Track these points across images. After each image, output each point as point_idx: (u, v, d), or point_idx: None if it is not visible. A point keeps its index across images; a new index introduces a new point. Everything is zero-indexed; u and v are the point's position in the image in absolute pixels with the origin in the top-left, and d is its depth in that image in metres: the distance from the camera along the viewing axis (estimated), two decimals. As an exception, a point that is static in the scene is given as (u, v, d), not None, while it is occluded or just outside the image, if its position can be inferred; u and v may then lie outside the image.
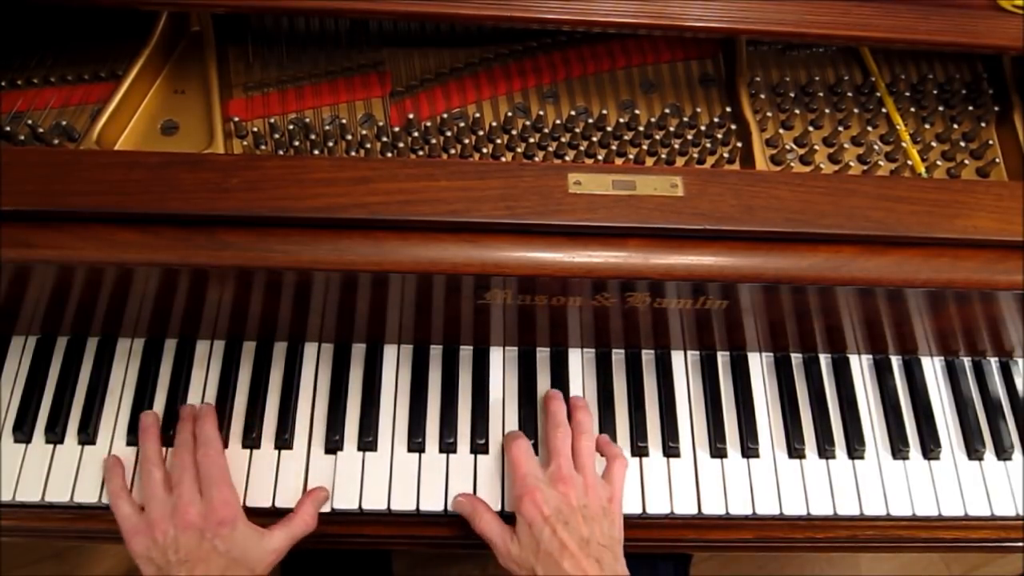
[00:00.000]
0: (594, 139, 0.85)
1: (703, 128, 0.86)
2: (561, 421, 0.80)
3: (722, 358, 0.90)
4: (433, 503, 0.80)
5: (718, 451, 0.84)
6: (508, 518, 0.77)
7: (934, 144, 0.89)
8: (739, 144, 0.85)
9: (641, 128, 0.85)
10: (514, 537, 0.73)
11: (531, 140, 0.84)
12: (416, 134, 0.83)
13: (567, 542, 0.70)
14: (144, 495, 0.75)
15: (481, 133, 0.84)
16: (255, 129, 0.83)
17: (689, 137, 0.85)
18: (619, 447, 0.82)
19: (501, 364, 0.88)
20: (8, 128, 0.80)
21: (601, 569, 0.70)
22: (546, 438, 0.78)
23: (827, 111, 0.90)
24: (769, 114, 0.88)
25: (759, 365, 0.90)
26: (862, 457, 0.85)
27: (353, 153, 0.83)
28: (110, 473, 0.78)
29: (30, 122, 0.80)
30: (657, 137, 0.86)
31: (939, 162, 0.86)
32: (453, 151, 0.83)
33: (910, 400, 0.90)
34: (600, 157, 0.84)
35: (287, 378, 0.85)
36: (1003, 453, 0.87)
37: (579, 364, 0.89)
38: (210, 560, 0.70)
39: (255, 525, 0.75)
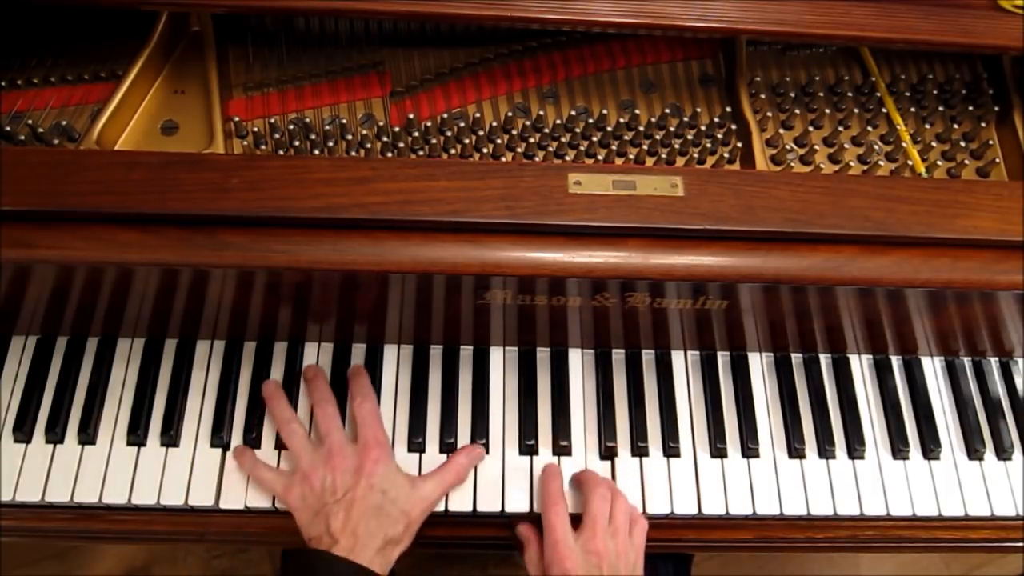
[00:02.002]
0: (594, 139, 0.85)
1: (703, 128, 0.86)
2: (600, 483, 0.79)
3: (722, 358, 0.90)
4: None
5: (718, 451, 0.84)
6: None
7: (934, 144, 0.89)
8: (739, 144, 0.85)
9: (641, 128, 0.85)
10: None
11: (531, 140, 0.84)
12: (416, 134, 0.83)
13: None
14: (292, 451, 0.78)
15: (481, 133, 0.84)
16: (255, 129, 0.83)
17: (689, 137, 0.85)
18: (639, 513, 0.80)
19: (501, 364, 0.88)
20: (8, 128, 0.80)
21: None
22: (585, 500, 0.77)
23: (827, 111, 0.90)
24: (769, 114, 0.88)
25: (759, 365, 0.90)
26: (862, 457, 0.85)
27: (353, 153, 0.83)
28: (241, 455, 0.80)
29: (30, 122, 0.80)
30: (657, 137, 0.86)
31: (939, 162, 0.86)
32: (453, 151, 0.83)
33: (910, 400, 0.90)
34: (600, 157, 0.84)
35: (287, 378, 0.85)
36: (1003, 453, 0.87)
37: (579, 364, 0.88)
38: (367, 497, 0.72)
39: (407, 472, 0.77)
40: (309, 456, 0.77)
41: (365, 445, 0.76)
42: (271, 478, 0.78)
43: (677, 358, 0.89)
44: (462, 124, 0.85)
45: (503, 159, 0.84)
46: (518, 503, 0.81)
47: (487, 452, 0.83)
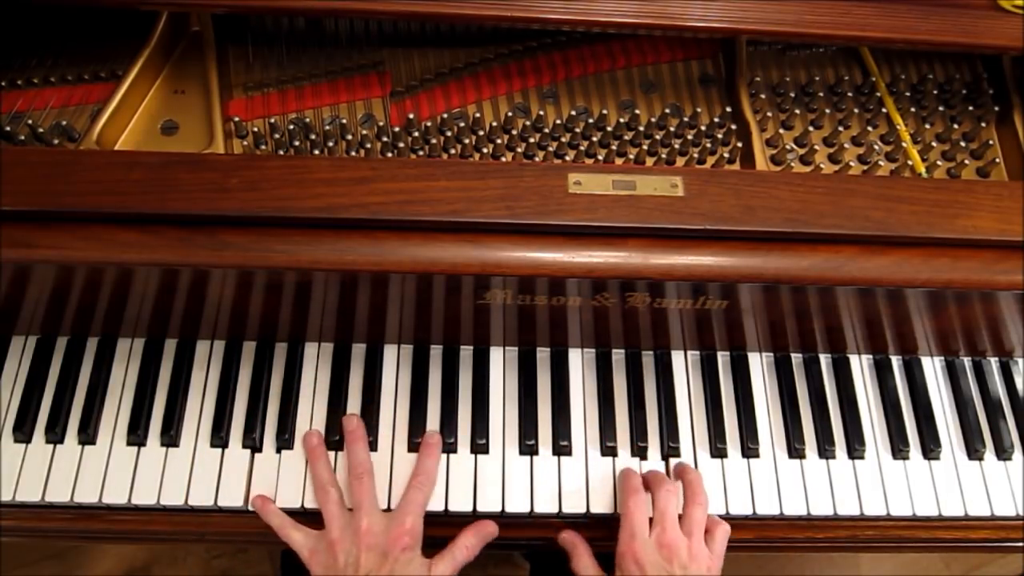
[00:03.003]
0: (594, 139, 0.85)
1: (703, 128, 0.86)
2: (664, 479, 0.78)
3: (722, 358, 0.90)
4: (434, 503, 0.80)
5: (718, 451, 0.84)
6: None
7: (934, 144, 0.89)
8: (739, 144, 0.85)
9: (641, 128, 0.85)
10: None
11: (531, 140, 0.84)
12: (416, 134, 0.83)
13: None
14: (324, 514, 0.76)
15: (481, 133, 0.84)
16: (255, 129, 0.83)
17: (689, 137, 0.85)
18: (720, 518, 0.79)
19: (501, 364, 0.88)
20: (8, 128, 0.80)
21: None
22: (653, 497, 0.77)
23: (827, 111, 0.90)
24: (769, 114, 0.88)
25: (759, 365, 0.90)
26: (862, 457, 0.85)
27: (353, 153, 0.83)
28: (268, 514, 0.78)
29: (30, 122, 0.80)
30: (657, 137, 0.86)
31: (939, 162, 0.86)
32: (453, 151, 0.83)
33: (910, 400, 0.90)
34: (600, 157, 0.84)
35: (287, 378, 0.85)
36: (1003, 453, 0.87)
37: (579, 364, 0.88)
38: None
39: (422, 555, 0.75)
40: (340, 525, 0.75)
41: (399, 529, 0.74)
42: (299, 539, 0.76)
43: (677, 358, 0.89)
44: (462, 124, 0.85)
45: (503, 159, 0.84)
46: (518, 503, 0.81)
47: (487, 452, 0.83)
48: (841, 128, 0.89)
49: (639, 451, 0.84)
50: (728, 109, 0.87)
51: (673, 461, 0.84)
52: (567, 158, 0.85)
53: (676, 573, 0.71)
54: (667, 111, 0.87)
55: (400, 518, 0.75)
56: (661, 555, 0.72)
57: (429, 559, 0.75)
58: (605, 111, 0.87)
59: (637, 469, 0.83)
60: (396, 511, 0.76)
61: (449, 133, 0.84)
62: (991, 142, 0.90)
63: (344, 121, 0.84)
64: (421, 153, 0.84)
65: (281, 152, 0.82)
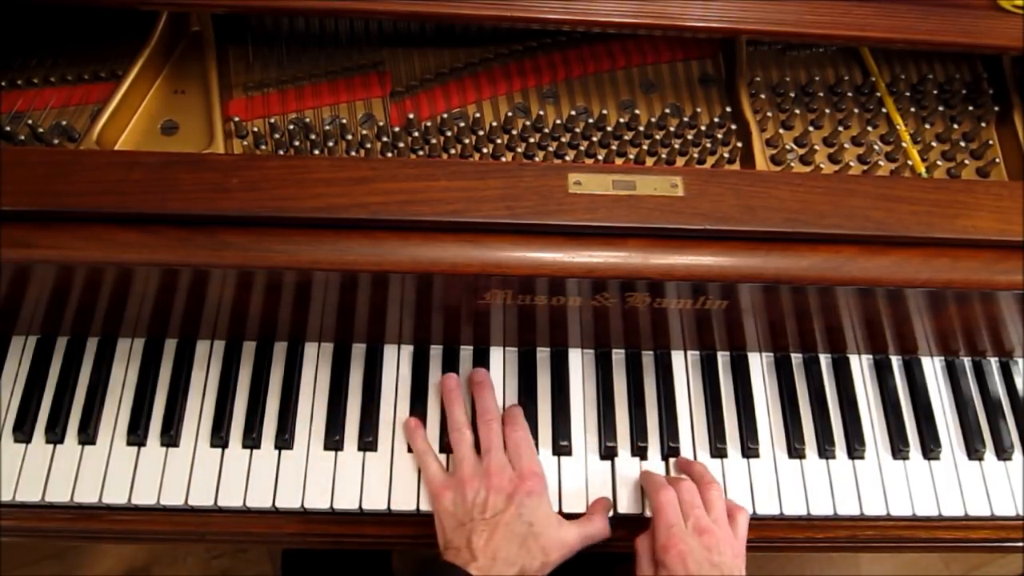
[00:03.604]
0: (594, 139, 0.85)
1: (703, 128, 0.86)
2: (679, 477, 0.79)
3: (722, 358, 0.90)
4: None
5: (718, 451, 0.84)
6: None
7: (934, 144, 0.89)
8: (739, 144, 0.85)
9: (641, 128, 0.85)
10: (656, 573, 0.73)
11: (531, 140, 0.84)
12: (416, 134, 0.83)
13: None
14: (456, 454, 0.79)
15: (481, 133, 0.84)
16: (255, 129, 0.83)
17: (689, 137, 0.85)
18: (737, 503, 0.80)
19: (501, 364, 0.88)
20: (8, 128, 0.80)
21: None
22: (676, 492, 0.77)
23: (827, 111, 0.90)
24: (769, 114, 0.88)
25: (759, 365, 0.90)
26: (862, 457, 0.85)
27: (353, 153, 0.83)
28: (413, 434, 0.82)
29: (30, 122, 0.80)
30: (657, 137, 0.86)
31: (939, 162, 0.86)
32: (453, 151, 0.83)
33: (910, 400, 0.90)
34: (600, 157, 0.84)
35: (287, 378, 0.85)
36: (1003, 453, 0.87)
37: (579, 364, 0.88)
38: (513, 524, 0.73)
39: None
40: (471, 466, 0.77)
41: (522, 473, 0.76)
42: (434, 472, 0.79)
43: (677, 358, 0.89)
44: (462, 124, 0.85)
45: (503, 159, 0.84)
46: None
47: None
48: (841, 128, 0.89)
49: (639, 451, 0.84)
50: (728, 109, 0.87)
51: (674, 461, 0.84)
52: (567, 158, 0.85)
53: (715, 559, 0.72)
54: (667, 111, 0.87)
55: (519, 463, 0.77)
56: (701, 543, 0.73)
57: (560, 522, 0.76)
58: (605, 111, 0.87)
59: (637, 469, 0.83)
60: (512, 457, 0.78)
61: (449, 133, 0.84)
62: (991, 142, 0.90)
63: (344, 121, 0.84)
64: (421, 153, 0.84)
65: (281, 152, 0.82)
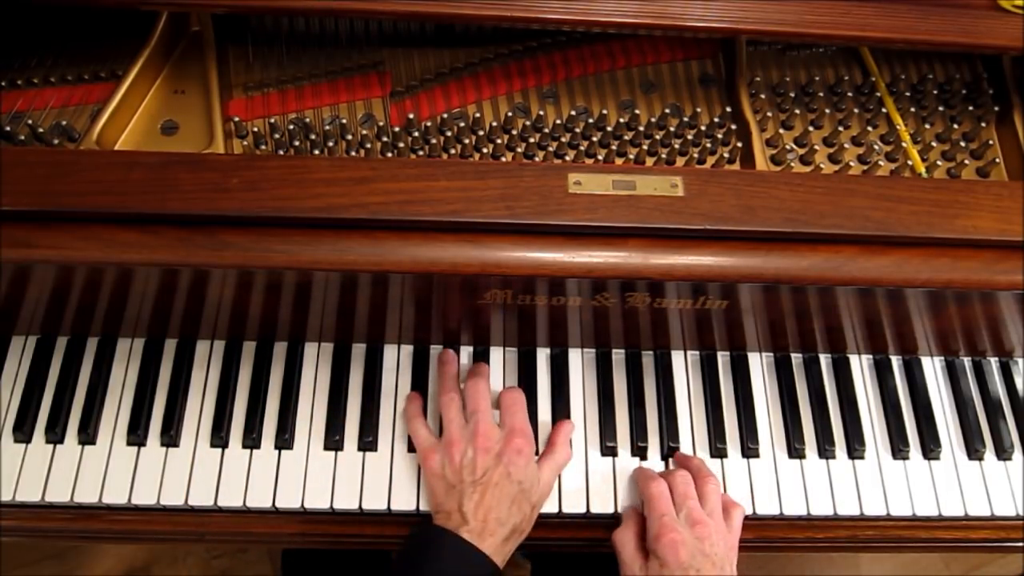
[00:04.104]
0: (594, 139, 0.85)
1: (703, 128, 0.86)
2: (674, 470, 0.80)
3: (722, 358, 0.90)
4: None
5: (718, 451, 0.84)
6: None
7: (934, 144, 0.89)
8: (739, 144, 0.85)
9: (641, 128, 0.85)
10: (646, 565, 0.73)
11: (531, 140, 0.84)
12: (416, 134, 0.83)
13: None
14: (444, 417, 0.79)
15: (481, 133, 0.84)
16: (255, 129, 0.83)
17: (689, 137, 0.85)
18: (733, 499, 0.81)
19: (501, 364, 0.88)
20: (8, 128, 0.80)
21: None
22: (670, 484, 0.77)
23: (827, 111, 0.90)
24: (769, 114, 0.88)
25: (759, 365, 0.90)
26: (862, 457, 0.85)
27: (353, 153, 0.83)
28: (409, 401, 0.83)
29: (30, 122, 0.80)
30: (657, 137, 0.86)
31: (939, 162, 0.86)
32: (453, 151, 0.83)
33: (910, 400, 0.90)
34: (600, 157, 0.84)
35: (287, 378, 0.85)
36: (1003, 453, 0.87)
37: (579, 364, 0.89)
38: (503, 485, 0.73)
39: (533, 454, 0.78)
40: (458, 428, 0.77)
41: (511, 432, 0.76)
42: (422, 436, 0.79)
43: (677, 358, 0.89)
44: (462, 124, 0.85)
45: (503, 159, 0.84)
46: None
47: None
48: (841, 128, 0.89)
49: (639, 451, 0.84)
50: (728, 109, 0.87)
51: (672, 470, 0.84)
52: (567, 158, 0.85)
53: (707, 550, 0.72)
54: (667, 111, 0.87)
55: (508, 422, 0.77)
56: (694, 533, 0.73)
57: (537, 466, 0.77)
58: (605, 111, 0.87)
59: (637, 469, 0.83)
60: (504, 417, 0.78)
61: (449, 133, 0.84)
62: (991, 142, 0.90)
63: (344, 121, 0.84)
64: (421, 153, 0.84)
65: (281, 152, 0.82)
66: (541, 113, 0.86)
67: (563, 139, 0.85)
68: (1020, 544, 0.85)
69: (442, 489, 0.74)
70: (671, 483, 0.77)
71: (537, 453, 0.83)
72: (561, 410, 0.85)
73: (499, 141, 0.85)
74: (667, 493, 0.76)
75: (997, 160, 0.88)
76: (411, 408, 0.82)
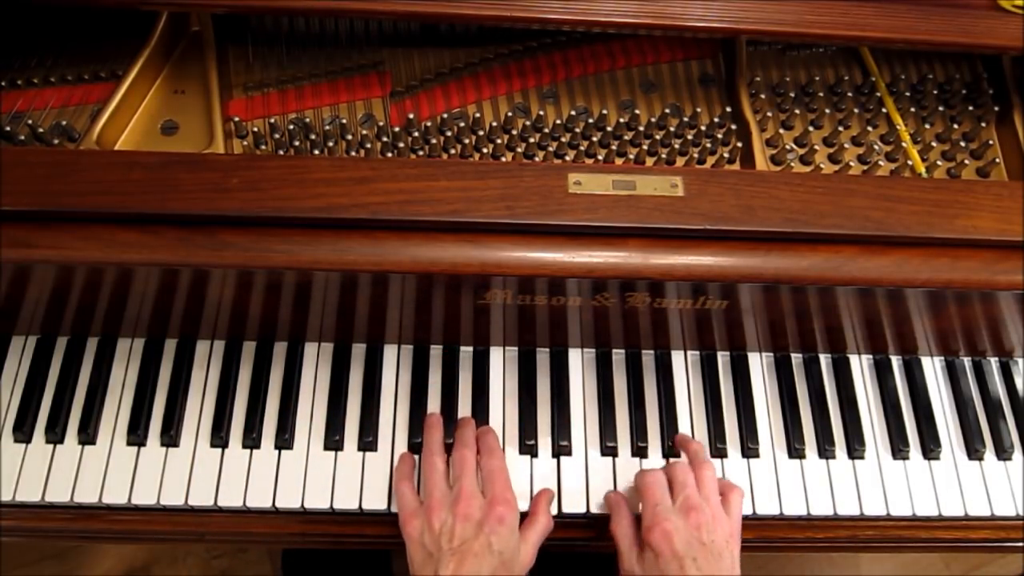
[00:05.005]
0: (594, 139, 0.85)
1: (703, 128, 0.86)
2: (676, 461, 0.79)
3: (722, 358, 0.90)
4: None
5: (718, 451, 0.84)
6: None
7: (934, 144, 0.89)
8: (739, 144, 0.85)
9: (641, 128, 0.85)
10: (641, 556, 0.72)
11: (531, 140, 0.84)
12: (416, 134, 0.83)
13: None
14: (426, 483, 0.76)
15: (481, 133, 0.84)
16: (255, 129, 0.83)
17: (689, 137, 0.85)
18: (732, 482, 0.81)
19: (501, 364, 0.88)
20: (8, 128, 0.80)
21: None
22: (668, 474, 0.77)
23: (827, 111, 0.90)
24: (769, 114, 0.88)
25: (759, 365, 0.90)
26: (862, 457, 0.85)
27: (353, 153, 0.83)
28: (400, 462, 0.81)
29: (30, 122, 0.80)
30: (657, 137, 0.86)
31: (939, 162, 0.86)
32: (453, 151, 0.83)
33: (910, 400, 0.90)
34: (600, 157, 0.84)
35: (287, 378, 0.85)
36: (1003, 453, 0.87)
37: (579, 364, 0.88)
38: (482, 556, 0.70)
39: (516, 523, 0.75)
40: (440, 493, 0.74)
41: (493, 500, 0.73)
42: (407, 500, 0.76)
43: (677, 358, 0.89)
44: (462, 124, 0.85)
45: (503, 159, 0.84)
46: (519, 503, 0.80)
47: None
48: (841, 128, 0.89)
49: (639, 451, 0.84)
50: (728, 109, 0.87)
51: (673, 461, 0.84)
52: (567, 158, 0.85)
53: (704, 538, 0.71)
54: (667, 111, 0.87)
55: (490, 490, 0.74)
56: (688, 522, 0.72)
57: (520, 537, 0.74)
58: (605, 111, 0.87)
59: (637, 469, 0.83)
60: (485, 484, 0.75)
61: (449, 133, 0.84)
62: (991, 142, 0.90)
63: (344, 121, 0.84)
64: (421, 153, 0.84)
65: (281, 152, 0.82)
66: (541, 113, 0.86)
67: (563, 139, 0.85)
68: (1020, 544, 0.85)
69: (420, 556, 0.72)
70: (668, 472, 0.77)
71: (533, 451, 0.83)
72: (561, 410, 0.85)
73: (499, 141, 0.85)
74: (662, 481, 0.75)
75: (997, 160, 0.89)
76: (401, 469, 0.80)
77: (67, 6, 0.80)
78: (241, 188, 0.69)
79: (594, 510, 0.81)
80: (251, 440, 0.82)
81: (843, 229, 0.72)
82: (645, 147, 0.85)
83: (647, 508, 0.73)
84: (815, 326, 0.85)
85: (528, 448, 0.83)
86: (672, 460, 0.84)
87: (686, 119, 0.88)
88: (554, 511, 0.80)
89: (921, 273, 0.73)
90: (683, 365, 0.89)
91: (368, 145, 0.83)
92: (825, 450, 0.85)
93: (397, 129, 0.83)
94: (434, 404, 0.85)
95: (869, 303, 0.80)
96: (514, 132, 0.85)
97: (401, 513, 0.75)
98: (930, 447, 0.86)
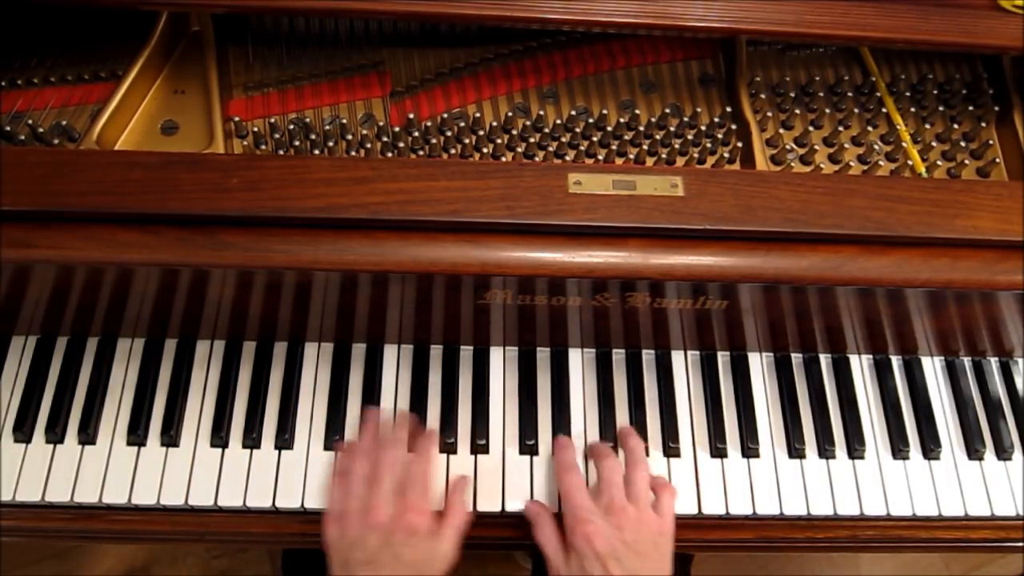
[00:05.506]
0: (594, 139, 0.85)
1: (703, 128, 0.86)
2: (609, 453, 0.79)
3: (722, 358, 0.90)
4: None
5: (718, 451, 0.84)
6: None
7: (934, 144, 0.89)
8: (739, 144, 0.85)
9: (641, 128, 0.85)
10: (568, 559, 0.72)
11: (531, 140, 0.84)
12: (416, 134, 0.83)
13: None
14: (346, 487, 0.75)
15: (481, 133, 0.84)
16: (255, 129, 0.83)
17: (689, 137, 0.85)
18: (666, 479, 0.81)
19: (501, 364, 0.88)
20: (8, 128, 0.80)
21: None
22: (597, 470, 0.77)
23: (827, 111, 0.90)
24: (769, 114, 0.88)
25: (759, 365, 0.90)
26: (862, 457, 0.85)
27: (353, 153, 0.83)
28: (343, 453, 0.78)
29: (30, 122, 0.80)
30: (657, 137, 0.86)
31: (939, 162, 0.86)
32: (453, 151, 0.83)
33: (910, 400, 0.90)
34: (600, 157, 0.84)
35: (287, 378, 0.85)
36: (1003, 453, 0.87)
37: (579, 364, 0.88)
38: (392, 568, 0.68)
39: (432, 527, 0.73)
40: (357, 500, 0.72)
41: (404, 509, 0.71)
42: (332, 500, 0.75)
43: (677, 358, 0.89)
44: (462, 124, 0.85)
45: (503, 159, 0.84)
46: (518, 503, 0.81)
47: (487, 452, 0.83)
48: (841, 128, 0.89)
49: (639, 451, 0.84)
50: (728, 109, 0.87)
51: (674, 461, 0.84)
52: (567, 158, 0.85)
53: (627, 538, 0.71)
54: (667, 111, 0.87)
55: (405, 497, 0.72)
56: (610, 523, 0.72)
57: (434, 539, 0.72)
58: (605, 111, 0.87)
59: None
60: (403, 490, 0.73)
61: (449, 133, 0.84)
62: (991, 142, 0.90)
63: (344, 121, 0.84)
64: (421, 153, 0.84)
65: (281, 152, 0.82)
66: (541, 113, 0.86)
67: (563, 139, 0.85)
68: (1020, 544, 0.85)
69: (337, 561, 0.71)
70: (598, 465, 0.77)
71: (533, 451, 0.83)
72: (561, 410, 0.85)
73: (499, 141, 0.85)
74: (581, 484, 0.75)
75: (997, 160, 0.89)
76: (340, 462, 0.77)
77: (67, 6, 0.80)
78: (241, 188, 0.69)
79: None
80: (251, 440, 0.82)
81: (843, 229, 0.72)
82: (645, 147, 0.85)
83: (568, 511, 0.74)
84: (815, 326, 0.85)
85: (528, 448, 0.83)
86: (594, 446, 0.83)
87: (686, 119, 0.88)
88: (554, 510, 0.80)
89: (921, 273, 0.73)
90: (683, 365, 0.89)
91: (368, 145, 0.83)
92: (825, 450, 0.85)
93: (397, 129, 0.83)
94: (434, 404, 0.85)
95: (869, 303, 0.80)
96: (514, 132, 0.85)
97: (325, 513, 0.74)
98: (930, 447, 0.86)
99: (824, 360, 0.91)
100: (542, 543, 0.75)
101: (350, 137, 0.82)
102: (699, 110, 0.88)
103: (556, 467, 0.79)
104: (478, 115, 0.84)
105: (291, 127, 0.84)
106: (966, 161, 0.86)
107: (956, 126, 0.90)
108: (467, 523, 0.76)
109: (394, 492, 0.73)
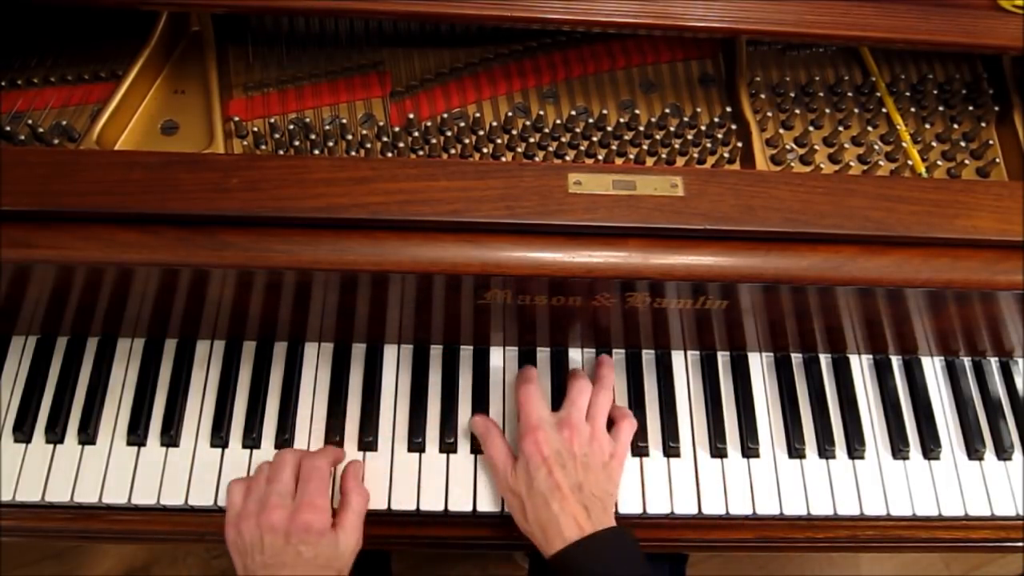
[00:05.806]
0: (594, 139, 0.85)
1: (703, 128, 0.86)
2: (582, 377, 0.81)
3: (722, 358, 0.90)
4: (433, 503, 0.80)
5: (718, 451, 0.84)
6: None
7: (934, 144, 0.89)
8: (739, 144, 0.85)
9: (641, 128, 0.85)
10: (515, 467, 0.74)
11: (531, 140, 0.84)
12: (416, 134, 0.83)
13: (560, 484, 0.71)
14: (246, 486, 0.74)
15: (481, 133, 0.84)
16: (255, 129, 0.83)
17: (689, 137, 0.85)
18: (628, 410, 0.83)
19: (501, 364, 0.88)
20: (8, 128, 0.80)
21: (589, 516, 0.70)
22: (568, 388, 0.79)
23: (827, 111, 0.90)
24: (769, 114, 0.88)
25: (759, 365, 0.90)
26: (862, 457, 0.85)
27: (353, 153, 0.83)
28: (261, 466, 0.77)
29: (30, 122, 0.80)
30: (657, 137, 0.86)
31: (939, 162, 0.86)
32: (453, 151, 0.83)
33: (910, 400, 0.90)
34: (600, 157, 0.84)
35: (287, 378, 0.85)
36: (1003, 453, 0.87)
37: (579, 364, 0.88)
38: (294, 566, 0.68)
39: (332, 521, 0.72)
40: (254, 501, 0.71)
41: (299, 507, 0.70)
42: (232, 502, 0.73)
43: (677, 358, 0.90)
44: (462, 124, 0.85)
45: (503, 159, 0.84)
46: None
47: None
48: (841, 128, 0.89)
49: (639, 451, 0.84)
50: (728, 109, 0.87)
51: (674, 461, 0.84)
52: (567, 158, 0.85)
53: (576, 450, 0.73)
54: (667, 111, 0.87)
55: (299, 499, 0.71)
56: (562, 435, 0.74)
57: (334, 532, 0.71)
58: (605, 111, 0.87)
59: (638, 469, 0.83)
60: (299, 487, 0.72)
61: (449, 133, 0.84)
62: (991, 142, 0.90)
63: (344, 121, 0.84)
64: (421, 153, 0.84)
65: (281, 152, 0.82)
66: (541, 113, 0.86)
67: (563, 139, 0.85)
68: (1020, 544, 0.85)
69: (240, 564, 0.70)
70: (568, 388, 0.78)
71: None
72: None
73: (499, 141, 0.85)
74: (539, 397, 0.77)
75: (997, 160, 0.89)
76: (269, 464, 0.75)
77: (67, 6, 0.80)
78: (241, 188, 0.69)
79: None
80: (251, 440, 0.82)
81: (843, 229, 0.72)
82: (645, 147, 0.85)
83: (523, 420, 0.75)
84: (815, 326, 0.85)
85: (528, 448, 0.83)
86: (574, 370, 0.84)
87: (686, 119, 0.88)
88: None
89: (921, 273, 0.73)
90: (683, 365, 0.89)
91: (368, 145, 0.83)
92: (825, 450, 0.85)
93: (397, 129, 0.83)
94: (434, 404, 0.85)
95: (869, 303, 0.80)
96: (514, 132, 0.85)
97: (226, 515, 0.73)
98: (930, 447, 0.86)
99: (824, 360, 0.91)
100: (493, 455, 0.76)
101: (350, 137, 0.82)
102: (699, 110, 0.88)
103: (518, 378, 0.80)
104: (478, 115, 0.84)
105: (291, 127, 0.84)
106: (966, 161, 0.86)
107: (956, 126, 0.90)
108: (366, 504, 0.75)
109: (292, 492, 0.72)
